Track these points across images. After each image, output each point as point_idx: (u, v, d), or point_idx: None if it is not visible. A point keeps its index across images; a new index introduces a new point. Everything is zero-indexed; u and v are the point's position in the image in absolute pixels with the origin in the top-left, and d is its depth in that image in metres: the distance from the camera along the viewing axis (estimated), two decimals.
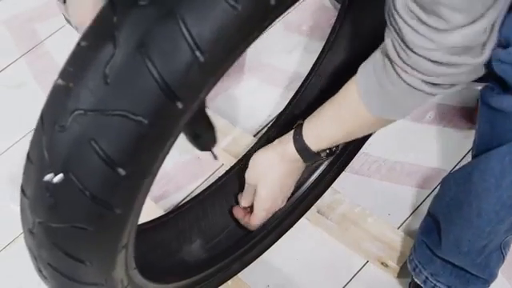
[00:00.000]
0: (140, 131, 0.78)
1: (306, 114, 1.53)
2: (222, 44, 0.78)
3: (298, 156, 1.34)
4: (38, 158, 0.84)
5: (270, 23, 0.82)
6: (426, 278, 1.48)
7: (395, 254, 1.65)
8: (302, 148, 1.33)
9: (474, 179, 1.26)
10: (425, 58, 0.97)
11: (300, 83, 1.63)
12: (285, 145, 1.35)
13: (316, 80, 1.54)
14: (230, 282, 1.58)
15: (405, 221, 1.74)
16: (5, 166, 1.65)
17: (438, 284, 1.47)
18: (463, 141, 1.85)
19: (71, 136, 0.80)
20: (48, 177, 0.83)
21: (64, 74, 0.82)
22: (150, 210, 1.61)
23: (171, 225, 1.46)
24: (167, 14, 0.77)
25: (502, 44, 1.02)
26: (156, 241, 1.41)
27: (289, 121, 1.57)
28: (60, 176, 0.82)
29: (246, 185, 1.44)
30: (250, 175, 1.42)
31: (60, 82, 0.82)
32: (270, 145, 1.40)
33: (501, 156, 1.17)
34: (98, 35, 0.80)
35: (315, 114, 1.31)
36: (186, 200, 1.65)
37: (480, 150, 1.26)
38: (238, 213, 1.49)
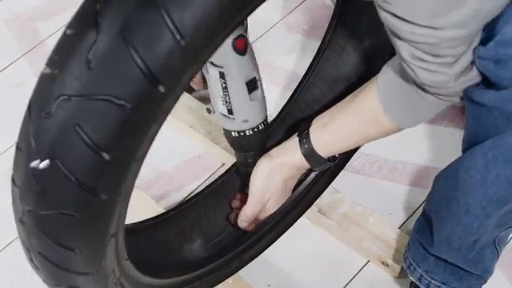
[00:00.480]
0: (123, 115, 0.79)
1: (305, 113, 1.54)
2: (204, 30, 0.79)
3: (306, 162, 1.37)
4: (26, 146, 0.85)
5: (251, 10, 0.83)
6: (421, 275, 1.48)
7: (396, 253, 1.65)
8: (310, 154, 1.35)
9: (460, 175, 1.26)
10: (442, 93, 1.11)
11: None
12: (291, 153, 1.37)
13: (313, 79, 1.54)
14: (230, 280, 1.58)
15: (406, 220, 1.74)
16: (5, 166, 1.66)
17: (432, 281, 1.47)
18: None
19: (56, 122, 0.81)
20: (34, 163, 0.84)
21: (50, 62, 0.83)
22: (151, 209, 1.62)
23: (171, 222, 1.46)
24: (149, 1, 0.78)
25: (482, 41, 1.03)
26: (155, 238, 1.42)
27: (288, 120, 1.58)
28: (46, 162, 0.83)
29: (250, 191, 1.45)
30: (255, 184, 1.43)
31: (46, 70, 0.83)
32: (273, 152, 1.42)
33: (484, 151, 1.17)
34: (81, 22, 0.81)
35: (325, 120, 1.32)
36: (186, 199, 1.66)
37: (468, 146, 1.26)
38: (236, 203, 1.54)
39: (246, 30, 1.22)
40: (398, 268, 1.63)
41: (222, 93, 1.21)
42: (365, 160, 1.83)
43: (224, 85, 1.20)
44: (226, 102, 1.22)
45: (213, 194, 1.51)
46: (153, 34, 0.77)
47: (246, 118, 1.27)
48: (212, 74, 1.20)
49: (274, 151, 1.41)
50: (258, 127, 1.31)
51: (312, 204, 1.62)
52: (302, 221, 1.66)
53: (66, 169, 0.82)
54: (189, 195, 1.77)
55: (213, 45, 0.81)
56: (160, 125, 0.84)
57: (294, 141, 1.37)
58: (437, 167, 1.79)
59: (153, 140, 0.86)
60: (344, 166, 1.62)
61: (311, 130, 1.33)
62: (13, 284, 1.64)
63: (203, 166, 1.80)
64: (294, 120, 1.57)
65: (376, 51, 1.47)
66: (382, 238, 1.67)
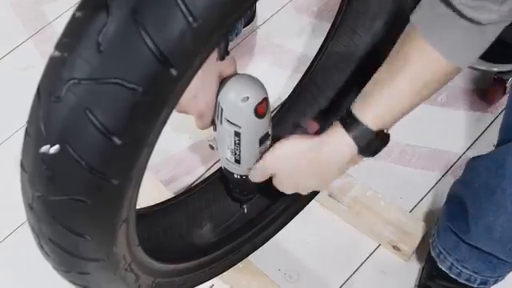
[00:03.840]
0: (134, 99, 0.77)
1: (315, 96, 1.52)
2: (216, 11, 0.77)
3: (353, 143, 1.14)
4: (35, 131, 0.84)
5: None
6: (452, 264, 1.46)
7: (407, 237, 1.64)
8: (361, 133, 1.12)
9: (508, 165, 1.25)
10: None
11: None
12: (333, 137, 1.15)
13: (324, 61, 1.53)
14: (241, 265, 1.58)
15: (417, 204, 1.73)
16: (14, 149, 1.65)
17: (464, 270, 1.45)
18: (475, 124, 1.84)
19: (66, 106, 0.79)
20: (44, 148, 0.82)
21: (59, 45, 0.81)
22: (160, 193, 1.61)
23: (180, 207, 1.45)
24: None
25: None
26: (165, 223, 1.41)
27: (298, 103, 1.56)
28: (56, 147, 0.81)
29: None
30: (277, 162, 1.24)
31: (56, 53, 0.81)
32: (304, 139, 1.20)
33: None
34: (91, 5, 0.79)
35: (370, 92, 1.12)
36: (195, 183, 1.65)
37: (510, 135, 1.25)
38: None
39: (266, 92, 1.19)
40: (409, 252, 1.63)
41: (233, 146, 1.20)
42: None
43: (237, 141, 1.19)
44: (235, 153, 1.21)
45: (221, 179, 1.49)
46: (164, 15, 0.75)
47: (252, 167, 1.26)
48: (226, 130, 1.18)
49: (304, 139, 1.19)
50: None
51: None
52: (313, 205, 1.65)
53: (77, 154, 0.81)
54: (198, 179, 1.76)
55: (225, 26, 0.79)
56: (171, 108, 0.83)
57: (332, 129, 1.15)
58: (448, 150, 1.78)
59: (164, 124, 0.85)
60: None
61: (356, 106, 1.12)
62: (21, 266, 1.63)
63: (212, 150, 1.78)
64: (305, 103, 1.55)
65: (387, 32, 1.45)
66: (393, 221, 1.66)
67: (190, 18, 0.76)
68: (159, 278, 1.23)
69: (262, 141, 1.21)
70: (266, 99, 1.17)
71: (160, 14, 0.76)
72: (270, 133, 1.23)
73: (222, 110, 1.17)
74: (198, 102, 1.17)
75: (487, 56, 1.77)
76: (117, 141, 0.80)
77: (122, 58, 0.76)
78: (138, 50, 0.76)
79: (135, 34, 0.75)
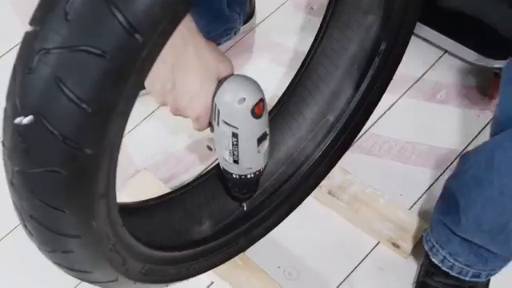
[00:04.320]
0: (102, 66, 0.79)
1: (311, 91, 1.54)
2: None
3: None
4: (12, 106, 0.86)
5: None
6: (444, 257, 1.46)
7: (406, 234, 1.64)
8: None
9: (496, 157, 1.26)
10: None
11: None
12: None
13: (318, 57, 1.54)
14: (240, 262, 1.58)
15: (416, 201, 1.73)
16: None
17: (456, 263, 1.46)
18: (475, 120, 1.84)
19: (38, 77, 0.81)
20: (18, 119, 0.84)
21: (32, 20, 0.83)
22: (159, 191, 1.63)
23: (177, 201, 1.46)
24: None
25: None
26: (162, 217, 1.42)
27: (294, 98, 1.57)
28: (29, 117, 0.83)
29: None
30: None
31: (29, 28, 0.84)
32: None
33: None
34: None
35: None
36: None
37: (502, 127, 1.25)
38: None
39: (262, 93, 1.22)
40: (408, 249, 1.63)
41: (231, 147, 1.21)
42: (374, 141, 1.83)
43: (235, 142, 1.20)
44: (234, 154, 1.23)
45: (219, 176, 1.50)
46: None
47: (250, 166, 1.27)
48: (223, 131, 1.19)
49: None
50: (259, 170, 1.31)
51: (320, 182, 1.61)
52: (312, 202, 1.66)
53: (50, 124, 0.82)
54: (196, 177, 1.77)
55: None
56: (140, 76, 0.84)
57: None
58: (447, 147, 1.79)
59: (136, 94, 0.86)
60: (350, 143, 1.60)
61: None
62: (21, 267, 1.65)
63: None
64: (300, 98, 1.56)
65: (380, 27, 1.46)
66: (392, 219, 1.66)
67: None
68: (149, 264, 1.23)
69: (259, 141, 1.22)
70: (262, 100, 1.18)
71: None
72: (267, 132, 1.24)
73: (218, 111, 1.18)
74: (195, 105, 1.17)
75: (487, 52, 1.78)
76: (87, 108, 0.81)
77: (88, 26, 0.78)
78: (104, 16, 0.77)
79: (101, 2, 0.77)
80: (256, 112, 1.17)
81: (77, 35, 0.79)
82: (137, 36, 0.79)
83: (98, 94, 0.81)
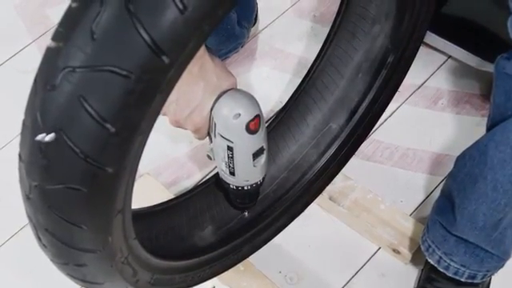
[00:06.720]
0: (127, 86, 0.79)
1: (316, 100, 1.54)
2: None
3: None
4: (32, 121, 0.85)
5: None
6: (440, 257, 1.47)
7: (407, 240, 1.65)
8: None
9: (489, 151, 1.26)
10: None
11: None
12: None
13: (324, 65, 1.54)
14: (242, 267, 1.58)
15: (417, 207, 1.74)
16: (16, 152, 1.67)
17: (451, 263, 1.46)
18: (475, 128, 1.85)
19: (61, 94, 0.81)
20: (40, 136, 0.83)
21: (55, 35, 0.83)
22: (162, 196, 1.63)
23: (181, 208, 1.46)
24: None
25: None
26: (165, 222, 1.42)
27: (298, 106, 1.57)
28: (51, 135, 0.83)
29: None
30: None
31: (52, 44, 0.83)
32: None
33: None
34: None
35: None
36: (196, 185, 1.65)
37: (495, 121, 1.25)
38: None
39: (259, 109, 1.22)
40: (409, 255, 1.63)
41: (227, 159, 1.22)
42: (376, 147, 1.83)
43: (231, 155, 1.21)
44: (230, 166, 1.23)
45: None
46: (156, 3, 0.77)
47: (247, 179, 1.29)
48: (219, 143, 1.20)
49: None
50: (256, 183, 1.31)
51: (323, 189, 1.62)
52: (313, 208, 1.67)
53: (71, 141, 0.82)
54: (198, 182, 1.77)
55: (216, 14, 0.81)
56: (164, 96, 0.84)
57: None
58: (448, 154, 1.79)
59: (158, 112, 0.86)
60: (354, 151, 1.61)
61: None
62: (24, 270, 1.64)
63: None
64: (304, 107, 1.56)
65: (386, 36, 1.46)
66: (393, 225, 1.67)
67: (181, 6, 0.77)
68: (158, 275, 1.23)
69: (255, 156, 1.23)
70: (258, 116, 1.19)
71: (152, 1, 0.77)
72: (264, 147, 1.24)
73: (215, 124, 1.19)
74: (194, 118, 1.19)
75: (490, 57, 1.78)
76: (110, 128, 0.81)
77: (114, 46, 0.78)
78: (131, 37, 0.77)
79: (128, 22, 0.77)
80: (251, 128, 1.18)
81: (103, 55, 0.79)
82: (163, 58, 0.78)
83: (121, 114, 0.81)
